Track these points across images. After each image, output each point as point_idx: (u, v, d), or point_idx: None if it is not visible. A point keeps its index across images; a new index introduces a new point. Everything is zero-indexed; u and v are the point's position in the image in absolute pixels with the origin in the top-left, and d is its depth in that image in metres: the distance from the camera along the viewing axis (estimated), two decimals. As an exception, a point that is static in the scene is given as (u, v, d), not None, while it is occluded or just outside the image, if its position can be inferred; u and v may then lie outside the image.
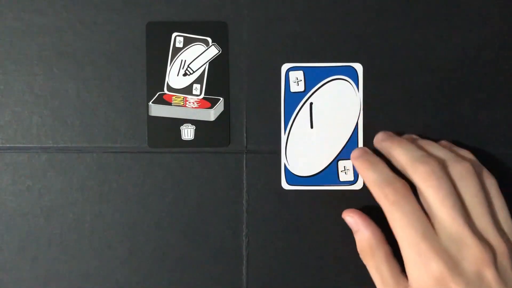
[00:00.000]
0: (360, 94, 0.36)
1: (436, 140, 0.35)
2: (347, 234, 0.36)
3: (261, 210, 0.36)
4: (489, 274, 0.28)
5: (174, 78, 0.36)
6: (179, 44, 0.36)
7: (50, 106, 0.36)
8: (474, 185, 0.30)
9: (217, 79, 0.36)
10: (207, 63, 0.36)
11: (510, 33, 0.37)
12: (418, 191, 0.31)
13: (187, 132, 0.36)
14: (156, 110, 0.36)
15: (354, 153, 0.34)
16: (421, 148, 0.32)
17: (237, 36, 0.36)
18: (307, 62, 0.36)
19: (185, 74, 0.36)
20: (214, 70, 0.36)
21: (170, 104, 0.36)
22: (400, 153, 0.32)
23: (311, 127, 0.36)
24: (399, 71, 0.36)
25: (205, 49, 0.36)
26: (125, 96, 0.36)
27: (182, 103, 0.36)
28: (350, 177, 0.36)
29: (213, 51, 0.36)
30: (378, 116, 0.36)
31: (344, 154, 0.36)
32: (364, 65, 0.36)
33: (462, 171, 0.30)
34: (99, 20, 0.36)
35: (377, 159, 0.33)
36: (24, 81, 0.36)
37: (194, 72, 0.36)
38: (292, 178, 0.36)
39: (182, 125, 0.36)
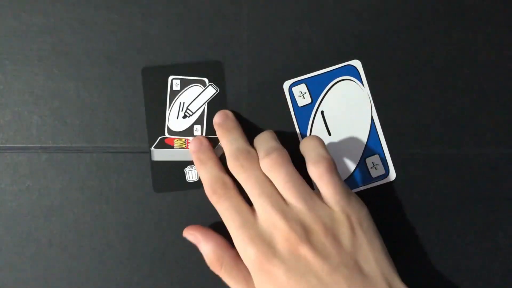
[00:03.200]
0: (366, 88, 0.36)
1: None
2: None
3: (261, 210, 0.36)
4: (304, 251, 0.30)
5: (174, 121, 0.36)
6: (176, 87, 0.36)
7: (50, 106, 0.36)
8: (282, 173, 0.32)
9: None
10: (206, 103, 0.36)
11: (510, 33, 0.37)
12: None
13: (192, 174, 0.36)
14: (159, 155, 0.36)
15: (190, 145, 0.35)
16: (243, 139, 0.34)
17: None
18: (306, 65, 0.36)
19: (184, 116, 0.36)
20: (214, 110, 0.36)
21: (172, 147, 0.36)
22: (223, 144, 0.34)
23: (329, 134, 0.36)
24: (397, 68, 0.36)
25: (202, 89, 0.36)
26: (125, 96, 0.36)
27: (184, 146, 0.36)
28: (381, 171, 0.36)
29: (210, 91, 0.36)
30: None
31: (368, 151, 0.36)
32: (362, 61, 0.36)
33: (270, 164, 0.32)
34: (99, 20, 0.36)
35: (207, 157, 0.35)
36: (24, 81, 0.36)
37: (193, 113, 0.36)
38: None
39: (186, 167, 0.36)
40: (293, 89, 0.36)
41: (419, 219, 0.36)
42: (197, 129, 0.36)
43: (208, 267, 0.33)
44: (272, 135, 0.34)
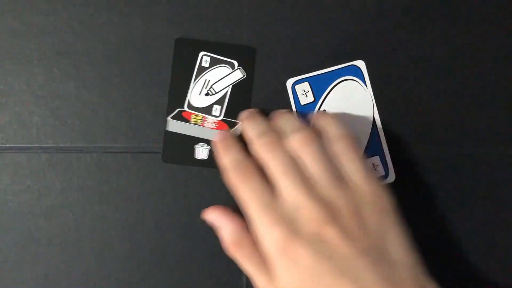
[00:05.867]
0: (369, 89, 0.36)
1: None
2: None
3: (261, 210, 0.36)
4: (330, 232, 0.29)
5: (196, 96, 0.36)
6: (205, 64, 0.36)
7: (50, 106, 0.36)
8: (313, 150, 0.31)
9: (238, 103, 0.36)
10: (231, 86, 0.36)
11: (510, 33, 0.37)
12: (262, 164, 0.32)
13: (201, 152, 0.36)
14: (174, 126, 0.36)
15: (216, 137, 0.35)
16: (267, 123, 0.34)
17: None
18: (310, 64, 0.36)
19: (207, 94, 0.36)
20: (237, 94, 0.36)
21: (188, 121, 0.36)
22: (247, 129, 0.34)
23: None
24: (400, 70, 0.36)
25: (230, 71, 0.36)
26: (125, 96, 0.36)
27: (200, 122, 0.36)
28: (381, 172, 0.36)
29: (237, 74, 0.36)
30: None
31: (369, 151, 0.36)
32: (366, 62, 0.36)
33: (299, 142, 0.31)
34: (99, 20, 0.36)
35: (231, 143, 0.34)
36: (24, 81, 0.36)
37: (216, 93, 0.36)
38: None
39: (197, 144, 0.36)
40: (296, 87, 0.36)
41: (419, 220, 0.36)
42: (216, 109, 0.36)
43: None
44: (294, 115, 0.34)
